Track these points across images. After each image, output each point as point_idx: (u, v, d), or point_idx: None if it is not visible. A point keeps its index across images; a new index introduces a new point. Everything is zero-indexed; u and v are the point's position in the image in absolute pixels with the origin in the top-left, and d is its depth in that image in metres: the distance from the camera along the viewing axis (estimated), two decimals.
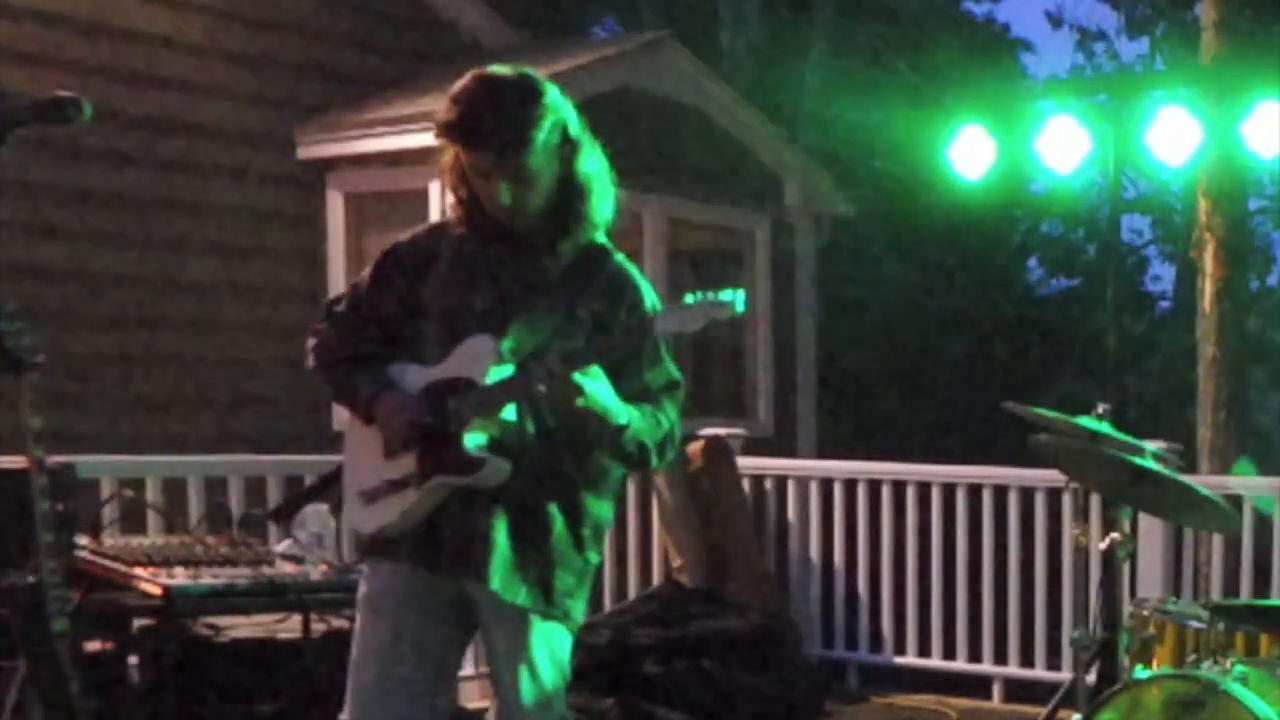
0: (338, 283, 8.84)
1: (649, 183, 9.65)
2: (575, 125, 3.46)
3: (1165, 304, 21.68)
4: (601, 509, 3.60)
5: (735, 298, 3.23)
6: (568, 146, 3.44)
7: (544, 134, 3.37)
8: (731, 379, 10.96)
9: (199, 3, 8.79)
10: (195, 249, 8.78)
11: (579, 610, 3.58)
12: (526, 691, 3.50)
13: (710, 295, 3.24)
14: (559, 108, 3.42)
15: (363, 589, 3.61)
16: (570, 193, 3.46)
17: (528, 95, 3.38)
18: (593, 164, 3.49)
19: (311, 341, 3.68)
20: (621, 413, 3.39)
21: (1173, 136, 7.74)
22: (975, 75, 16.75)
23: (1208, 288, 10.37)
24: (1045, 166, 8.14)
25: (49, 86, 4.28)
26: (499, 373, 3.40)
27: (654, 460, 3.52)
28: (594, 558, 3.59)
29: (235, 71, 8.94)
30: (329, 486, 3.97)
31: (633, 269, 3.57)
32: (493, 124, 3.34)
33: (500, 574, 3.44)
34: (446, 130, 3.39)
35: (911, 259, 18.16)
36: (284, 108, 9.13)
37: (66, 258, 8.24)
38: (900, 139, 14.91)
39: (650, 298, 3.54)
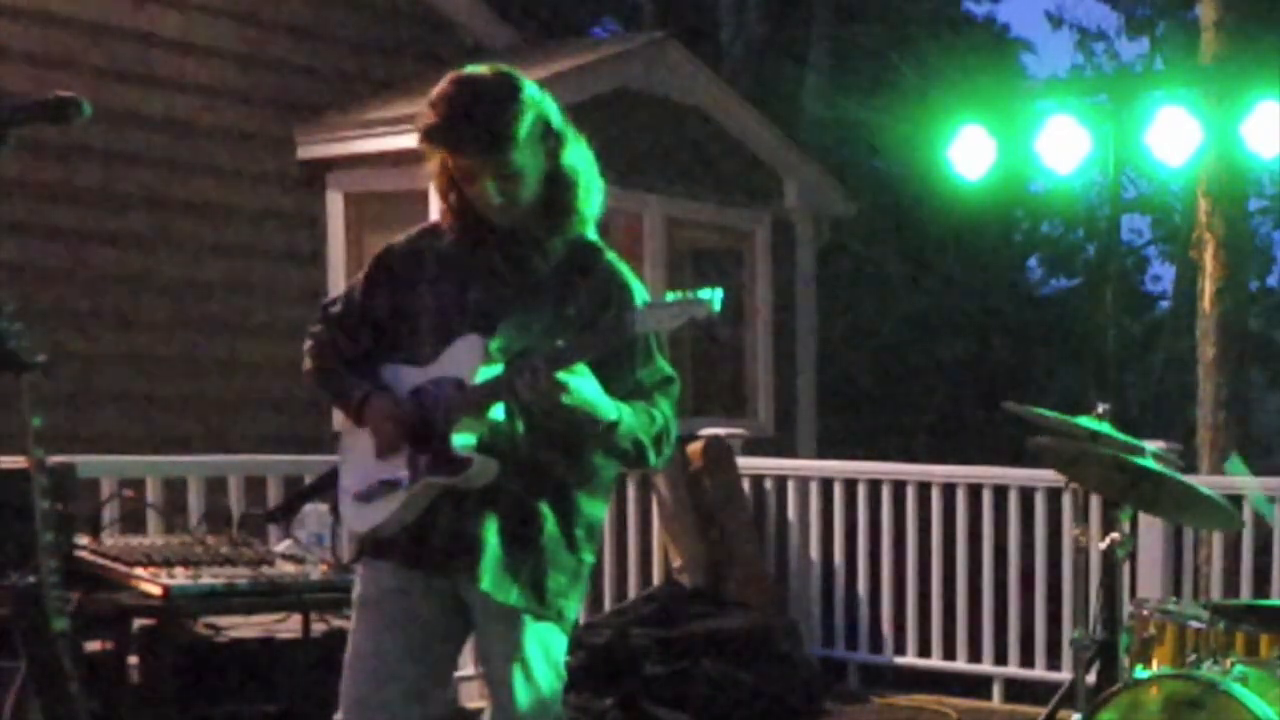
0: (338, 283, 8.84)
1: (649, 183, 9.65)
2: (557, 119, 3.46)
3: (1165, 304, 21.70)
4: (595, 508, 3.59)
5: (713, 296, 3.22)
6: (552, 140, 3.44)
7: (526, 129, 3.37)
8: (731, 379, 10.96)
9: (199, 3, 8.78)
10: (195, 249, 8.77)
11: (573, 610, 3.58)
12: (522, 692, 3.50)
13: (689, 294, 3.24)
14: (538, 102, 3.43)
15: (357, 589, 3.61)
16: (558, 186, 3.46)
17: (506, 92, 3.38)
18: (578, 157, 3.49)
19: (307, 343, 3.69)
20: (611, 409, 3.38)
21: (1173, 136, 7.74)
22: (975, 75, 16.74)
23: (1208, 288, 10.37)
24: (1045, 166, 8.14)
25: (49, 86, 4.28)
26: (488, 372, 3.40)
27: (651, 457, 3.51)
28: (588, 557, 3.58)
29: (235, 71, 8.94)
30: (326, 487, 3.97)
31: (624, 267, 3.56)
32: (474, 124, 3.34)
33: (491, 574, 3.44)
34: (429, 135, 3.40)
35: (911, 259, 18.17)
36: (284, 108, 9.12)
37: (66, 258, 8.24)
38: (900, 139, 14.92)
39: (641, 297, 3.52)
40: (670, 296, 3.26)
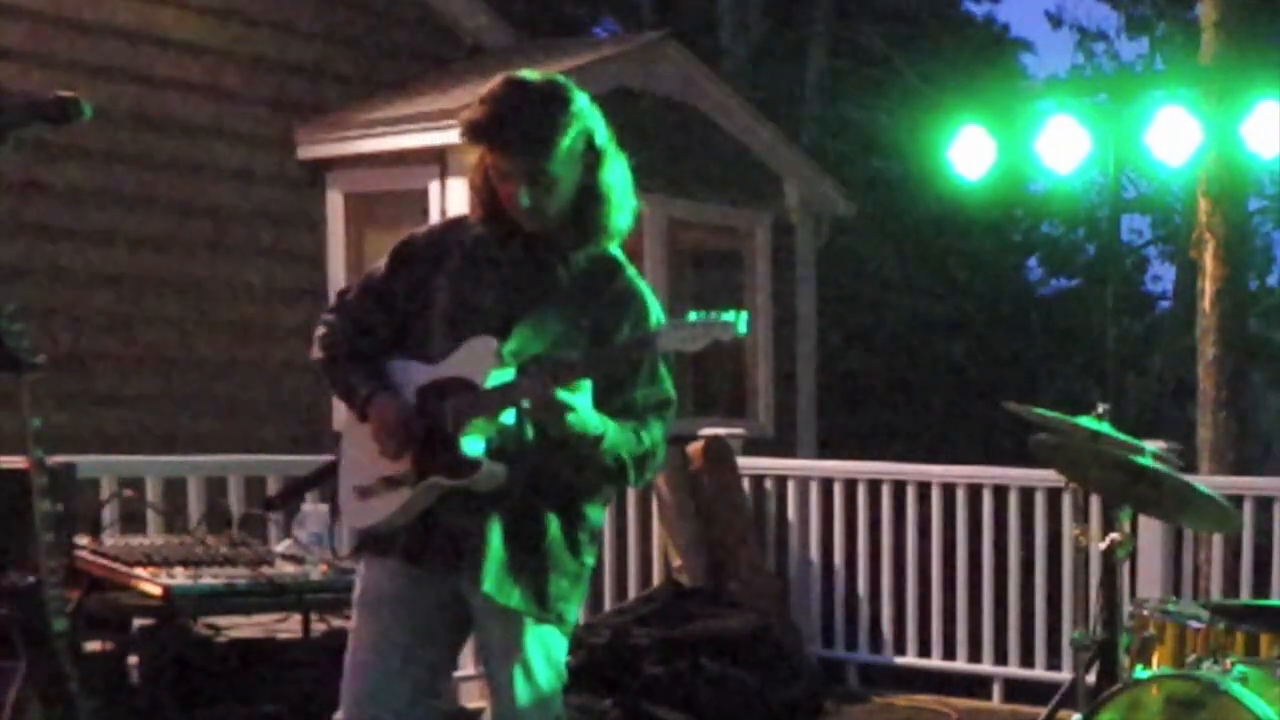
0: (338, 283, 8.84)
1: (649, 183, 9.54)
2: (601, 134, 3.47)
3: (1165, 304, 21.70)
4: (597, 513, 3.60)
5: (739, 319, 3.21)
6: (592, 155, 3.45)
7: (569, 141, 3.38)
8: (731, 379, 10.96)
9: (199, 3, 8.78)
10: (195, 249, 8.77)
11: (573, 613, 3.58)
12: (522, 692, 3.50)
13: (714, 315, 3.22)
14: (586, 116, 3.43)
15: (358, 587, 3.61)
16: (590, 201, 3.46)
17: (556, 101, 3.40)
18: (615, 174, 3.49)
19: (319, 330, 3.67)
20: (597, 424, 3.38)
21: (1173, 136, 7.73)
22: (975, 75, 16.75)
23: (1208, 288, 10.37)
24: (1045, 166, 8.14)
25: (49, 86, 4.28)
26: (500, 376, 3.39)
27: (632, 477, 3.50)
28: (589, 560, 3.59)
29: (235, 71, 8.94)
30: (325, 478, 3.96)
31: (643, 285, 3.57)
32: (518, 127, 3.35)
33: (492, 576, 3.44)
34: (472, 129, 3.40)
35: (911, 259, 18.17)
36: (284, 108, 9.12)
37: (66, 258, 8.24)
38: (900, 139, 14.93)
39: (656, 315, 3.53)
40: (693, 316, 3.25)
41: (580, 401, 3.34)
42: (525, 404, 3.35)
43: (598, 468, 3.46)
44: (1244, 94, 7.83)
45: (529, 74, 3.45)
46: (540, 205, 3.42)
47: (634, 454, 3.47)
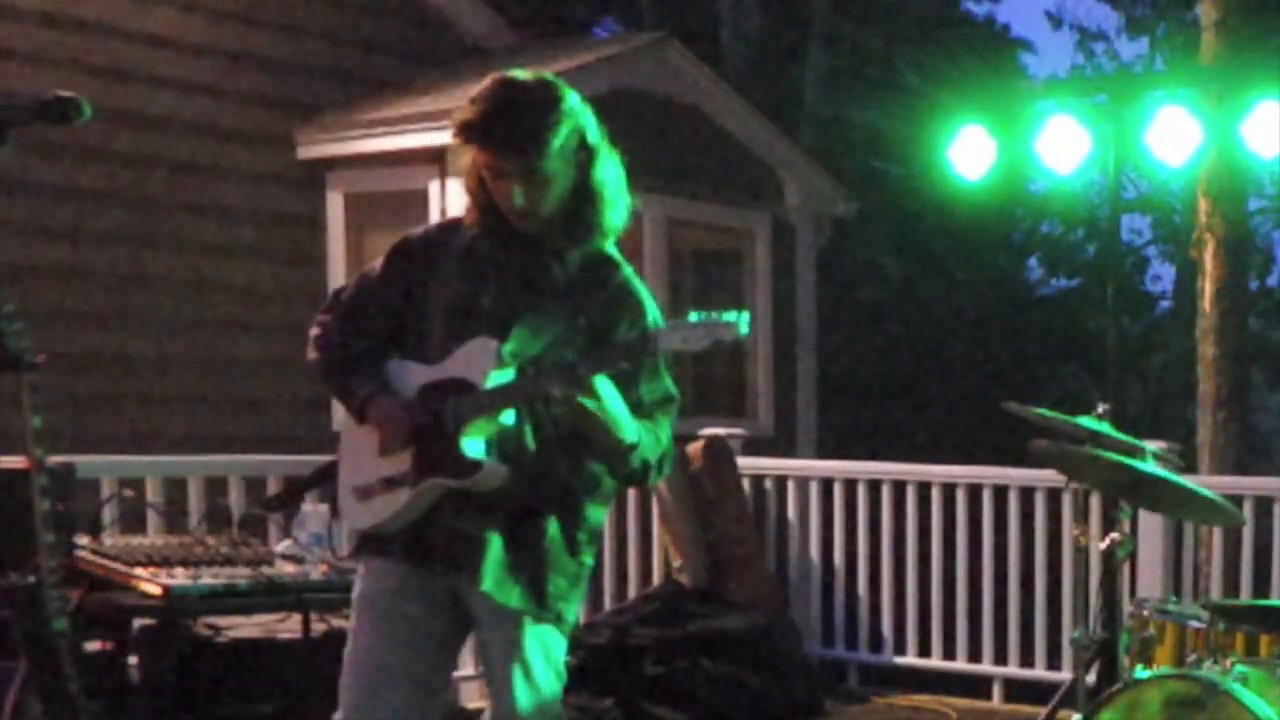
0: (337, 283, 8.81)
1: (649, 183, 9.64)
2: (593, 132, 3.47)
3: (1165, 304, 21.70)
4: (596, 513, 3.61)
5: (740, 319, 3.21)
6: (584, 153, 3.45)
7: (560, 139, 3.38)
8: (731, 379, 10.96)
9: (199, 3, 8.78)
10: (195, 249, 8.77)
11: (572, 613, 3.59)
12: (521, 693, 3.50)
13: (715, 315, 3.23)
14: (577, 114, 3.44)
15: (358, 588, 3.61)
16: (583, 199, 3.46)
17: (547, 100, 3.40)
18: (608, 172, 3.49)
19: (314, 331, 3.67)
20: (632, 430, 3.41)
21: (1173, 136, 7.73)
22: (975, 75, 16.75)
23: (1208, 288, 10.37)
24: (1045, 166, 8.14)
25: (49, 86, 4.28)
26: (499, 376, 3.40)
27: (653, 477, 3.54)
28: (588, 560, 3.60)
29: (235, 71, 8.94)
30: (325, 479, 3.97)
31: (639, 283, 3.57)
32: (510, 126, 3.36)
33: (492, 575, 3.44)
34: (464, 130, 3.40)
35: (911, 259, 18.16)
36: (284, 108, 9.12)
37: (66, 258, 8.23)
38: (900, 139, 14.93)
39: (653, 313, 3.53)
40: (694, 316, 3.25)
41: (617, 404, 3.35)
42: (556, 395, 3.35)
43: (625, 471, 3.49)
44: (1244, 94, 7.83)
45: (519, 73, 3.46)
46: (534, 204, 3.42)
47: (656, 455, 3.50)
